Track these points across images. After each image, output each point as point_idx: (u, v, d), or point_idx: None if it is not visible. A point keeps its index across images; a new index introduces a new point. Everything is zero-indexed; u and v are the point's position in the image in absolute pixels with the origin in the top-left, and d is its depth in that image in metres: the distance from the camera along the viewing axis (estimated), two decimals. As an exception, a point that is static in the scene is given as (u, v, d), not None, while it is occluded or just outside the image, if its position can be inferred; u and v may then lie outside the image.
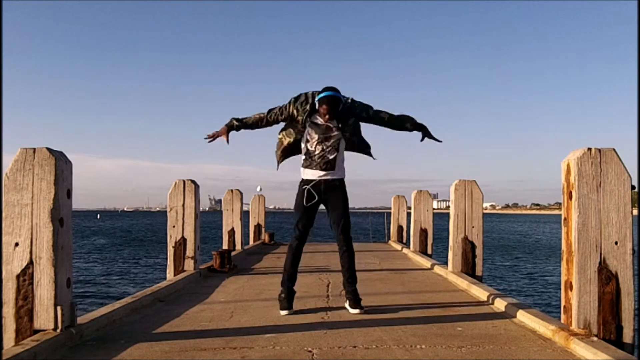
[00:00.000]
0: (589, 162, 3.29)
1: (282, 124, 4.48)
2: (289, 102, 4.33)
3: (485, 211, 6.87)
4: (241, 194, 11.18)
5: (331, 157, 4.28)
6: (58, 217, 3.18)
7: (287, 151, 4.47)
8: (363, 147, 4.48)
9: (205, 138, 4.49)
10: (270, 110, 4.38)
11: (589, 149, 3.31)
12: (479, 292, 5.07)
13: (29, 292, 3.13)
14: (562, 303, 3.42)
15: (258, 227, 13.31)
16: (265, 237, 12.86)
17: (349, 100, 4.31)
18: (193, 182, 6.50)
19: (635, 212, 3.50)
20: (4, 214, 3.16)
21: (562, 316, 3.43)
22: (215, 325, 3.88)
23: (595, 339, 3.11)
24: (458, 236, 6.46)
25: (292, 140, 4.39)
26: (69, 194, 3.32)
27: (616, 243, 3.27)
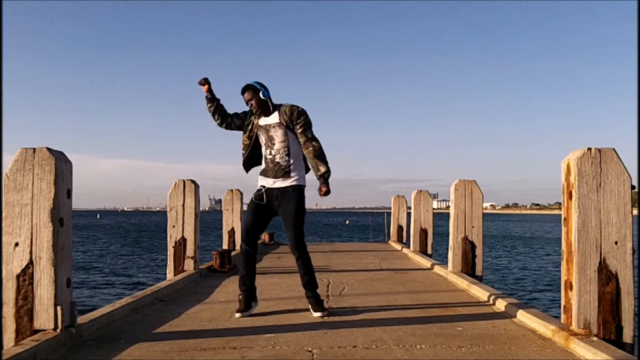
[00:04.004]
0: (589, 162, 3.29)
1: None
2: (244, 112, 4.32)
3: (485, 211, 6.87)
4: (241, 193, 11.18)
5: (284, 163, 4.14)
6: (58, 217, 3.18)
7: (251, 155, 4.32)
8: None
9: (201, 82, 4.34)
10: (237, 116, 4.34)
11: (589, 149, 3.31)
12: (479, 292, 5.07)
13: (29, 292, 3.12)
14: (562, 303, 3.42)
15: (258, 227, 13.29)
16: (265, 237, 12.86)
17: (295, 108, 4.15)
18: (193, 182, 6.51)
19: (635, 212, 3.50)
20: (4, 214, 3.16)
21: (562, 316, 3.43)
22: (215, 325, 3.88)
23: (595, 339, 3.11)
24: (458, 236, 6.46)
25: (247, 140, 4.29)
26: (69, 194, 3.32)
27: (616, 243, 3.27)
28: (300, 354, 3.06)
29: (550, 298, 12.85)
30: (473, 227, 6.46)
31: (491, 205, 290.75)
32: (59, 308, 3.14)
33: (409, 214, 11.28)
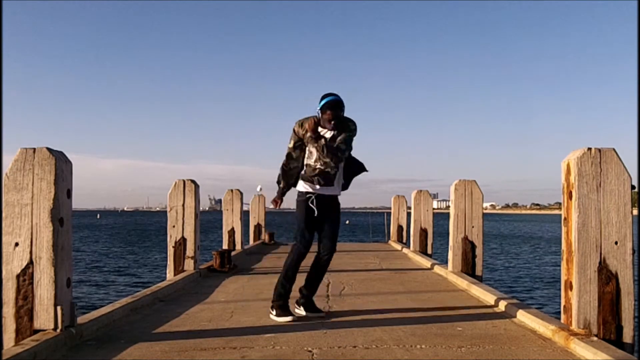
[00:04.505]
0: (589, 162, 3.29)
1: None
2: (296, 128, 4.29)
3: (485, 211, 6.87)
4: (241, 193, 11.19)
5: (332, 173, 4.24)
6: (58, 217, 3.18)
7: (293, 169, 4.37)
8: (356, 168, 4.42)
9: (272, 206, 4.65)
10: (288, 154, 4.36)
11: (589, 149, 3.31)
12: (479, 292, 5.07)
13: (29, 292, 3.12)
14: (562, 303, 3.42)
15: (258, 227, 13.32)
16: (265, 237, 12.87)
17: (347, 130, 4.22)
18: (193, 182, 6.50)
19: (635, 212, 3.50)
20: (4, 214, 3.16)
21: (562, 316, 3.43)
22: (215, 325, 3.88)
23: (595, 338, 3.11)
24: (458, 236, 6.46)
25: (297, 154, 4.32)
26: (69, 194, 3.32)
27: (616, 243, 3.26)
28: (300, 354, 3.07)
29: (550, 298, 12.85)
30: (473, 227, 6.46)
31: (491, 205, 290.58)
32: (59, 308, 3.14)
33: (409, 214, 11.28)
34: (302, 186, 4.32)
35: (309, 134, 4.17)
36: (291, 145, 4.32)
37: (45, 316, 3.13)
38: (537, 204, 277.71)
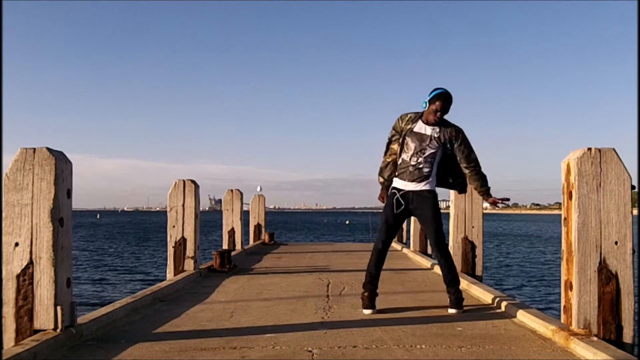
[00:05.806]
0: (589, 162, 3.28)
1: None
2: (396, 123, 4.37)
3: (485, 211, 6.86)
4: (241, 194, 11.18)
5: (426, 170, 4.24)
6: (58, 217, 3.18)
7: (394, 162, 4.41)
8: (456, 174, 4.39)
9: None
10: (387, 148, 4.45)
11: (589, 149, 3.31)
12: (479, 292, 5.07)
13: (29, 292, 3.12)
14: (562, 303, 3.42)
15: (258, 227, 13.31)
16: (265, 237, 12.87)
17: (460, 131, 4.29)
18: (193, 182, 6.50)
19: (635, 212, 3.50)
20: (4, 214, 3.16)
21: (562, 316, 3.43)
22: (215, 325, 3.88)
23: (595, 338, 3.11)
24: (458, 236, 6.46)
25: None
26: (69, 194, 3.32)
27: (616, 243, 3.26)
28: (300, 354, 3.06)
29: (550, 298, 12.84)
30: (473, 227, 6.46)
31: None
32: (59, 308, 3.14)
33: (409, 214, 11.22)
34: (394, 182, 4.38)
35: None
36: (389, 136, 4.42)
37: (45, 316, 3.13)
38: (537, 204, 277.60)
